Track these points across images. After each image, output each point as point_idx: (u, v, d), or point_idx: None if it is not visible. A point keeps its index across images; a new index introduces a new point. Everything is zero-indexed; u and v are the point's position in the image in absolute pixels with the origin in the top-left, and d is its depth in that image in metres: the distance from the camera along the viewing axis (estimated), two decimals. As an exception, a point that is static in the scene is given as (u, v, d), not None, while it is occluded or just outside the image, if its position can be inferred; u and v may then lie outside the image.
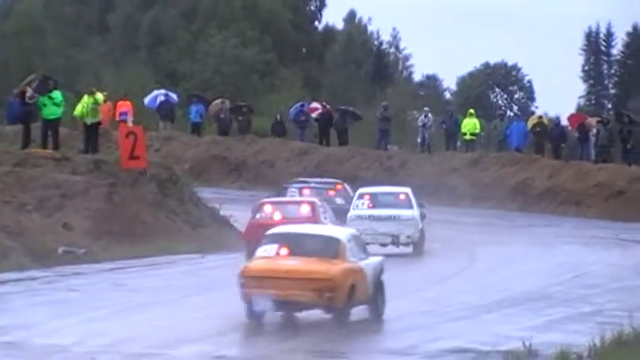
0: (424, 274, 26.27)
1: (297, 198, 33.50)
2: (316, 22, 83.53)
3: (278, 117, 52.81)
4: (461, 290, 23.54)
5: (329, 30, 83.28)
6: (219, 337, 16.31)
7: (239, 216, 34.87)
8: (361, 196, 33.16)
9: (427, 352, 14.79)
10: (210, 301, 21.07)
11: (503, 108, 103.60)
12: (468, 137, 49.82)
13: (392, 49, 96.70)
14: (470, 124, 49.61)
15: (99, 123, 33.90)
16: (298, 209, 29.38)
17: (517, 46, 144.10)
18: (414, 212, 32.03)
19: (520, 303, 21.51)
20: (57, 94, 31.33)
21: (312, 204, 29.37)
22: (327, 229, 22.74)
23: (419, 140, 53.37)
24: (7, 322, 17.37)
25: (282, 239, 18.74)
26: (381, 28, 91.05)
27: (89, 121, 32.38)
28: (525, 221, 42.67)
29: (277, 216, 28.55)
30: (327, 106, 52.03)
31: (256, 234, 24.41)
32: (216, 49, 72.43)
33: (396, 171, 48.81)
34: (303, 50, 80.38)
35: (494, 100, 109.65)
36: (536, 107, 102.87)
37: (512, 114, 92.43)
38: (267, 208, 29.16)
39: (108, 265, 26.69)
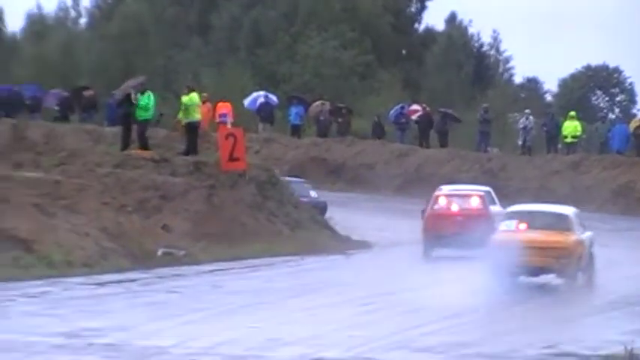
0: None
1: (468, 190, 34.46)
2: (416, 24, 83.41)
3: (377, 119, 53.67)
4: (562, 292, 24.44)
5: (429, 32, 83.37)
6: (318, 339, 16.17)
7: (339, 218, 36.38)
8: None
9: (527, 355, 14.65)
10: (309, 304, 21.37)
11: (604, 110, 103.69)
12: (569, 140, 50.36)
13: (492, 51, 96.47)
14: (571, 127, 50.04)
15: (198, 124, 34.09)
16: (469, 201, 32.11)
17: (619, 48, 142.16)
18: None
19: (621, 307, 21.32)
20: (144, 98, 32.03)
21: (481, 196, 32.02)
22: (557, 207, 26.95)
23: (519, 143, 54.20)
24: (106, 323, 17.27)
25: (521, 216, 24.21)
26: (481, 30, 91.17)
27: (184, 120, 32.99)
28: (627, 224, 42.32)
29: (454, 207, 31.65)
30: (427, 109, 52.34)
31: (435, 224, 30.88)
32: (315, 51, 72.96)
33: (496, 173, 49.44)
34: (403, 52, 79.91)
35: (596, 102, 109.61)
36: (638, 110, 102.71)
37: (613, 116, 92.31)
38: (442, 201, 31.92)
39: (207, 267, 27.04)
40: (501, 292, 22.17)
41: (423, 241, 30.75)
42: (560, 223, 23.61)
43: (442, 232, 30.42)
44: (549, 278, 23.98)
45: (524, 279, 24.30)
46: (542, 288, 25.29)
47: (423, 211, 31.83)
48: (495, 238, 23.33)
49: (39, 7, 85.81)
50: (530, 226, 23.01)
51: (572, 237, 23.03)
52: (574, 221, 23.59)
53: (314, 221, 33.98)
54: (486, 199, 31.70)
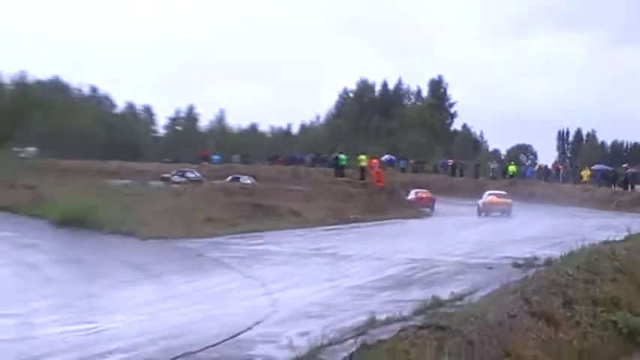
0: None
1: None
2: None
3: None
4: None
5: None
6: (435, 249, 32.72)
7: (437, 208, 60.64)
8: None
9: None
10: (427, 235, 42.53)
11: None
12: (511, 174, 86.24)
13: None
14: (511, 168, 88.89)
15: (364, 167, 62.88)
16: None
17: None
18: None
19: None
20: (342, 156, 65.25)
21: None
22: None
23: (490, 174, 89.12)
24: (332, 244, 34.37)
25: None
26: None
27: (359, 165, 63.97)
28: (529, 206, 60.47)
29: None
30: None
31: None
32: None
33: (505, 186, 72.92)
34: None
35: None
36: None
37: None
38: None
39: (371, 224, 45.79)
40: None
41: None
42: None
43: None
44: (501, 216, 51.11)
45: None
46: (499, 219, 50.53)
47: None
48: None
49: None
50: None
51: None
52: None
53: (412, 207, 55.98)
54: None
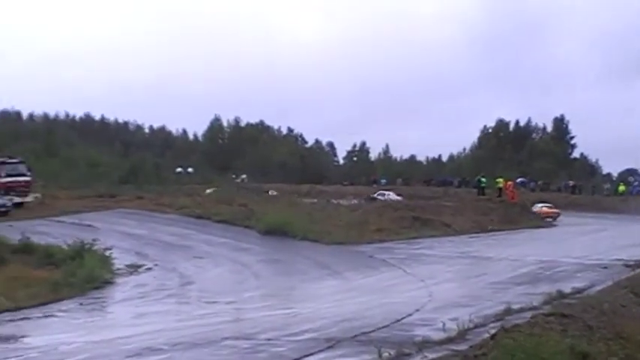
0: None
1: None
2: None
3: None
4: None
5: None
6: (575, 252, 31.98)
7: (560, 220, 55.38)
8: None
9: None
10: (557, 240, 42.75)
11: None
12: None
13: None
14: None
15: (501, 188, 60.43)
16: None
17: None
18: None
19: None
20: (483, 179, 62.66)
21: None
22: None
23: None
24: (474, 249, 38.04)
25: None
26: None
27: (497, 186, 61.18)
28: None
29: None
30: None
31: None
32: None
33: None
34: None
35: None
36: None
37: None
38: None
39: (506, 232, 43.29)
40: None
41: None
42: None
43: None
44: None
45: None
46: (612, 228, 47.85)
47: None
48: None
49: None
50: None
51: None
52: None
53: (539, 218, 52.43)
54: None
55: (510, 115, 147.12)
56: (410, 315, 15.96)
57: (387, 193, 67.74)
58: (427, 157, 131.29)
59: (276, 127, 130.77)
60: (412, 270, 26.02)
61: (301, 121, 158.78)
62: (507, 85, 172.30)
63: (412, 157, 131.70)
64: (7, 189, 44.41)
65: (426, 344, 11.83)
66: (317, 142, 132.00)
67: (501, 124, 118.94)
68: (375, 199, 62.11)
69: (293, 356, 11.50)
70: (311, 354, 11.66)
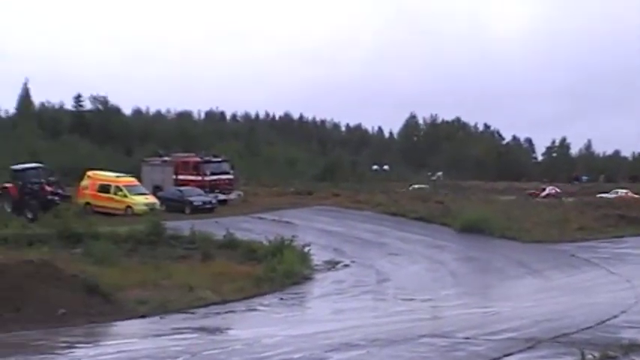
0: None
1: None
2: None
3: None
4: None
5: None
6: None
7: None
8: None
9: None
10: None
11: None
12: None
13: None
14: None
15: None
16: None
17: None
18: None
19: None
20: None
21: None
22: None
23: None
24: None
25: None
26: None
27: None
28: None
29: None
30: None
31: None
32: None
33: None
34: None
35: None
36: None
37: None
38: None
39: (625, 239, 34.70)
40: None
41: None
42: None
43: None
44: None
45: None
46: None
47: None
48: None
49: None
50: None
51: None
52: None
53: None
54: None
55: None
56: (615, 317, 15.24)
57: (549, 187, 65.79)
58: (633, 153, 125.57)
59: (472, 123, 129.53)
60: (617, 270, 24.96)
61: (498, 117, 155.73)
62: None
63: (616, 152, 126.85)
64: (212, 187, 46.44)
65: (633, 347, 11.27)
66: (514, 138, 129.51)
67: None
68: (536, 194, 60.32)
69: (492, 355, 11.32)
70: (510, 354, 11.42)
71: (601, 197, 57.65)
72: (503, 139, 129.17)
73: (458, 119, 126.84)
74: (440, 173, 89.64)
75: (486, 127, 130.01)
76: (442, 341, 12.85)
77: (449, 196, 52.34)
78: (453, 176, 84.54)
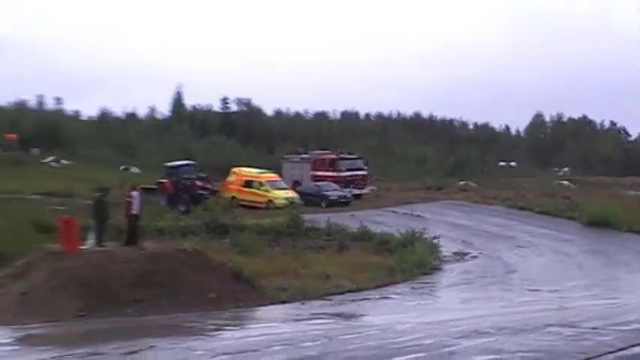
0: None
1: None
2: None
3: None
4: None
5: None
6: None
7: None
8: None
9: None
10: None
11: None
12: None
13: None
14: None
15: None
16: None
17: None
18: None
19: None
20: None
21: None
22: None
23: None
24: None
25: None
26: None
27: None
28: None
29: None
30: None
31: None
32: None
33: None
34: None
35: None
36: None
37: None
38: None
39: None
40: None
41: None
42: None
43: None
44: None
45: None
46: None
47: None
48: None
49: None
50: None
51: None
52: None
53: None
54: None
55: None
56: None
57: None
58: None
59: (598, 120, 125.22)
60: None
61: (624, 114, 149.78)
62: None
63: None
64: (347, 182, 46.71)
65: None
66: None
67: None
68: None
69: (619, 346, 10.93)
70: (638, 344, 11.03)
71: None
72: (630, 135, 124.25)
73: (584, 117, 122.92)
74: (566, 169, 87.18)
75: (612, 124, 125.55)
76: (569, 331, 12.53)
77: (573, 189, 50.78)
78: (579, 172, 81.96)
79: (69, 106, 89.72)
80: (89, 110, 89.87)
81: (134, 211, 21.26)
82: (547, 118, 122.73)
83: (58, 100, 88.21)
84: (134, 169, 60.49)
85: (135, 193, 21.65)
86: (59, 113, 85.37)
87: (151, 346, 12.23)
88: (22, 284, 17.11)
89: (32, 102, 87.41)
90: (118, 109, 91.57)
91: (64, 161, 60.86)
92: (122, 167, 60.93)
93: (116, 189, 25.18)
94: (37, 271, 17.46)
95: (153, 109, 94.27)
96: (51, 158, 60.72)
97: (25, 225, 24.43)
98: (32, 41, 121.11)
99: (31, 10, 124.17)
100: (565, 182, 60.14)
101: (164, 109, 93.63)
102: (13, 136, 62.89)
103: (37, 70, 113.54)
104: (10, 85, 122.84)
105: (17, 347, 13.25)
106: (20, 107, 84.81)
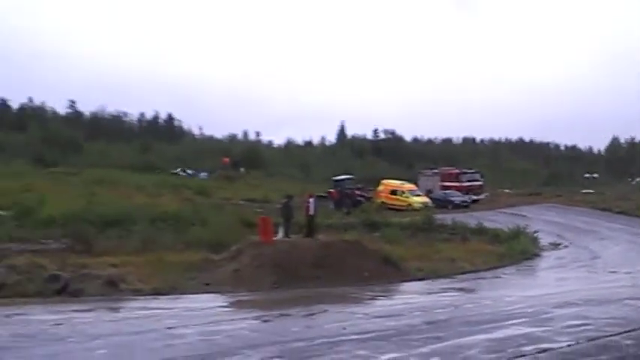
0: None
1: None
2: None
3: None
4: None
5: None
6: None
7: None
8: None
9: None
10: None
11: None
12: None
13: None
14: None
15: None
16: None
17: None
18: None
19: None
20: None
21: None
22: None
23: None
24: None
25: None
26: None
27: None
28: None
29: None
30: None
31: None
32: None
33: None
34: None
35: None
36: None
37: None
38: None
39: None
40: None
41: None
42: None
43: None
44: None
45: None
46: None
47: None
48: None
49: None
50: None
51: None
52: None
53: None
54: None
55: None
56: None
57: None
58: None
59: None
60: None
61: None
62: None
63: None
64: (467, 190, 45.96)
65: None
66: None
67: None
68: None
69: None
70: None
71: None
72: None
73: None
74: (639, 179, 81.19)
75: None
76: (641, 303, 11.86)
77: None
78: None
79: (265, 137, 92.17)
80: (279, 140, 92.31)
81: (311, 212, 21.86)
82: (622, 140, 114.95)
83: (258, 133, 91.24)
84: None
85: (311, 199, 22.26)
86: (258, 143, 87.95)
87: (325, 310, 12.46)
88: (234, 264, 17.54)
89: (239, 135, 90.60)
90: (299, 139, 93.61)
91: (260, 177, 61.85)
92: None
93: (298, 196, 25.86)
94: (244, 255, 17.90)
95: (323, 139, 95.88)
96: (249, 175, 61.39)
97: (235, 222, 25.10)
98: (247, 90, 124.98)
99: (261, 64, 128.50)
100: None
101: (332, 137, 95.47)
102: (227, 159, 64.55)
103: (244, 110, 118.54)
104: (224, 123, 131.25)
105: (232, 309, 13.75)
106: (231, 139, 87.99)
